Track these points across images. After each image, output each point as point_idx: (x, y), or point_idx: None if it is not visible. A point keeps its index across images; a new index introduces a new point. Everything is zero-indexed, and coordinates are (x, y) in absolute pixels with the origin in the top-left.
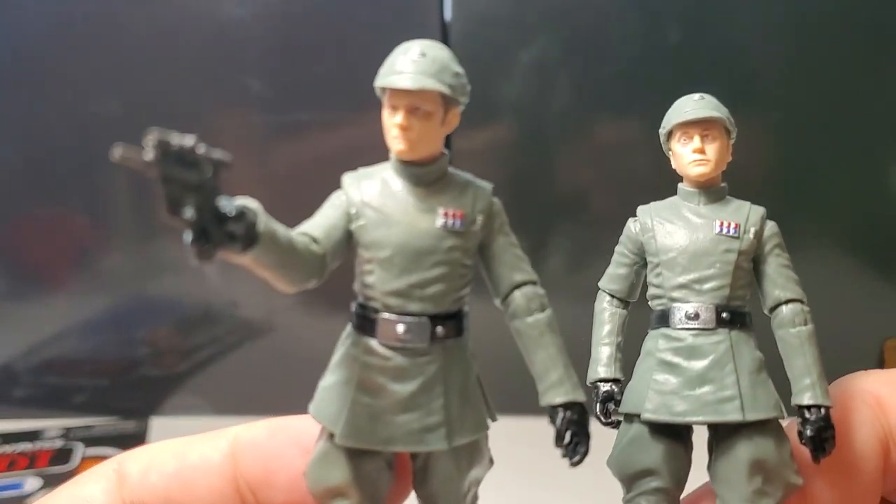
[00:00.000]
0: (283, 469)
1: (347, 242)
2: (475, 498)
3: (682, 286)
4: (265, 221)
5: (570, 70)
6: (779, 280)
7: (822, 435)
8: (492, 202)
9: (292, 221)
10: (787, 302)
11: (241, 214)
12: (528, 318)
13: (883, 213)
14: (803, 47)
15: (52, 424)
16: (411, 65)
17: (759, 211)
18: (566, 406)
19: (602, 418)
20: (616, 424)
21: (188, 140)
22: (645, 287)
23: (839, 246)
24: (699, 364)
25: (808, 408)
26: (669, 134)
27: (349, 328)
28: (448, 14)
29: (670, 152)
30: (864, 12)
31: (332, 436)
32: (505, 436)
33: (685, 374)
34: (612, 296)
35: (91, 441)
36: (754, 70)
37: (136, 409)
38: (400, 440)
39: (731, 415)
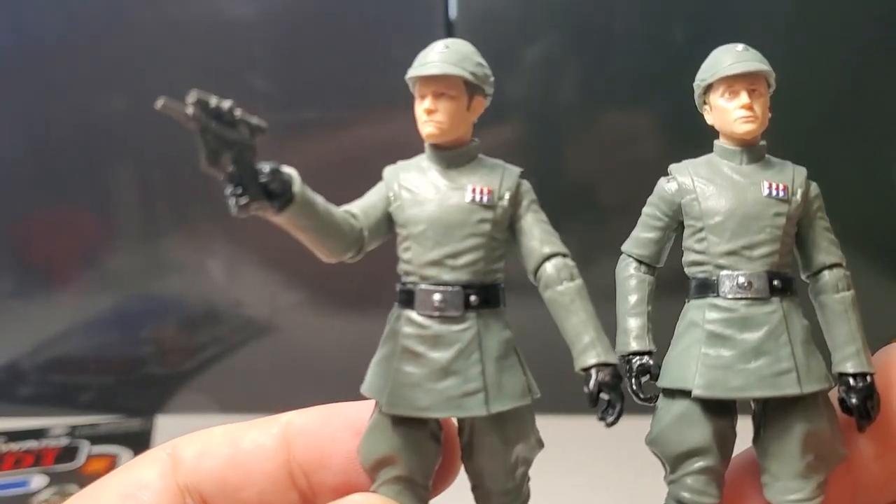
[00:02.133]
0: (338, 452)
1: (387, 224)
2: (525, 477)
3: (730, 253)
4: (302, 185)
5: (576, 67)
6: (822, 244)
7: (868, 403)
8: (519, 182)
9: None
10: (830, 267)
11: (276, 172)
12: (558, 286)
13: (889, 212)
14: (809, 44)
15: (57, 422)
16: (436, 55)
17: (803, 172)
18: (598, 368)
19: (640, 394)
20: (652, 399)
21: (226, 103)
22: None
23: (844, 245)
24: (753, 336)
25: (853, 376)
26: (708, 87)
27: (394, 307)
28: (453, 12)
29: (706, 107)
30: (870, 9)
31: (380, 409)
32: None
33: (739, 346)
34: (640, 261)
35: (97, 439)
36: None
37: (141, 407)
38: (440, 406)
39: (789, 388)
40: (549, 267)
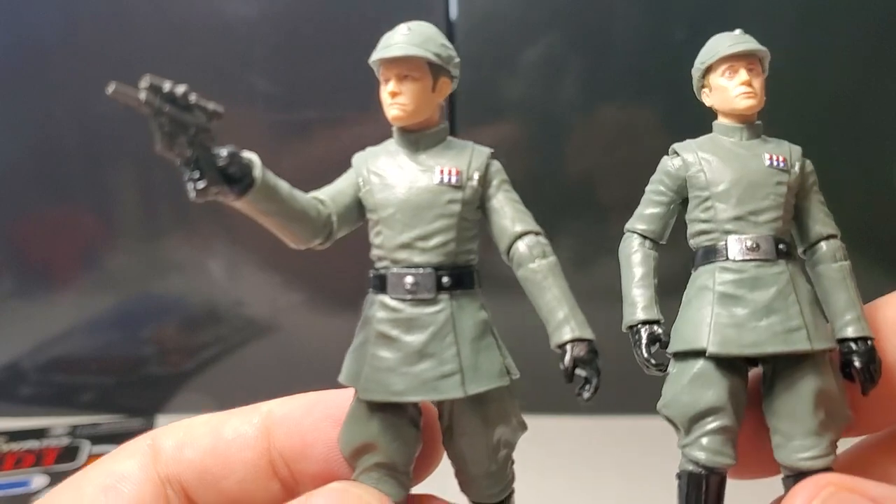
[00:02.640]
0: (319, 441)
1: (357, 210)
2: (508, 461)
3: (737, 218)
4: (263, 169)
5: (576, 67)
6: (819, 216)
7: (871, 367)
8: (489, 162)
9: None
10: (827, 238)
11: (234, 155)
12: (531, 264)
13: (889, 212)
14: (809, 44)
15: (58, 422)
16: (399, 37)
17: (798, 149)
18: (573, 343)
19: (652, 360)
20: (662, 367)
21: (180, 87)
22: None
23: (845, 244)
24: (764, 295)
25: (855, 340)
26: (708, 69)
27: (368, 294)
28: (453, 12)
29: (705, 89)
30: (870, 10)
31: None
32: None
33: (750, 305)
34: (644, 236)
35: (97, 439)
36: None
37: (141, 407)
38: (416, 390)
39: (800, 344)
40: (521, 245)
